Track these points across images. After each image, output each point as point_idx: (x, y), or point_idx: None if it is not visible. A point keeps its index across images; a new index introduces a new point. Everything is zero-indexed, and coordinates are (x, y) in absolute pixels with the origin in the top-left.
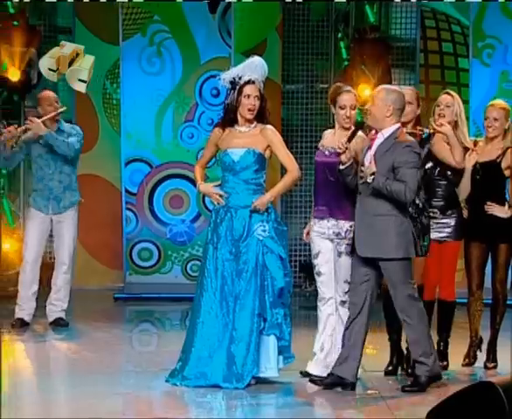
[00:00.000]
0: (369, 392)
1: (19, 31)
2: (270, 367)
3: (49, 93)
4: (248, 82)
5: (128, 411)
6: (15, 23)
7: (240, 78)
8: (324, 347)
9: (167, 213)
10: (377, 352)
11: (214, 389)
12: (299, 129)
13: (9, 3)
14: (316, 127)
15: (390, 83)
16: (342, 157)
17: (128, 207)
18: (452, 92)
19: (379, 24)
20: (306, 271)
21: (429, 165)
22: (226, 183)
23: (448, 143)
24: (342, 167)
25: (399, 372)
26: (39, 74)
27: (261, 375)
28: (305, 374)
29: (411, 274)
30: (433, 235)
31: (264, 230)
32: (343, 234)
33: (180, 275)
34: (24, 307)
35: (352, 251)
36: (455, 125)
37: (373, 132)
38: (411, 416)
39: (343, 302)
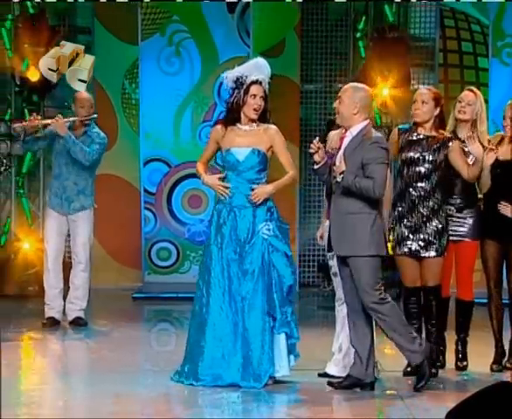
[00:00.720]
0: (387, 392)
1: (39, 32)
2: (282, 365)
3: (84, 95)
4: (255, 82)
5: (146, 410)
6: (35, 23)
7: (246, 78)
8: (342, 348)
9: (185, 213)
10: (395, 352)
11: (231, 389)
12: (317, 129)
13: (29, 3)
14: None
15: (408, 83)
16: (316, 157)
17: (146, 207)
18: (475, 90)
19: (398, 23)
20: (324, 270)
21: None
22: (229, 183)
23: (465, 152)
24: (316, 166)
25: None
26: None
27: (276, 375)
28: (323, 375)
29: (379, 275)
30: (449, 233)
31: (268, 229)
32: None
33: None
34: (53, 306)
35: (329, 250)
36: (473, 123)
37: (343, 130)
38: (430, 417)
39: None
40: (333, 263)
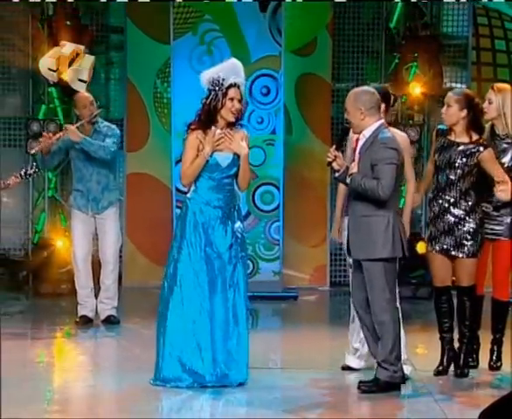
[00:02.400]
0: (420, 391)
1: (72, 31)
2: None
3: (83, 95)
4: (233, 85)
5: (182, 409)
6: (68, 22)
7: (224, 80)
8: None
9: None
10: (428, 351)
11: (253, 386)
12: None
13: (62, 4)
14: None
15: (441, 81)
16: (334, 165)
17: (178, 205)
18: (496, 86)
19: (431, 21)
20: None
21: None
22: (205, 183)
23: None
24: (337, 174)
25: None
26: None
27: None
28: (346, 368)
29: (393, 278)
30: (485, 231)
31: (242, 229)
32: None
33: None
34: (86, 305)
35: (348, 254)
36: (497, 118)
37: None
38: (463, 417)
39: None
40: (350, 260)
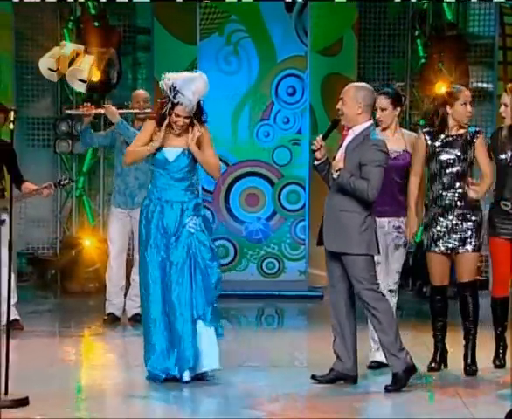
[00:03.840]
0: (446, 391)
1: (100, 32)
2: (213, 358)
3: (139, 92)
4: (181, 104)
5: (205, 407)
6: (96, 24)
7: (177, 93)
8: None
9: (243, 211)
10: (454, 350)
11: (280, 384)
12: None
13: (90, 3)
14: None
15: (467, 81)
16: (317, 154)
17: (204, 205)
18: (509, 88)
19: (457, 21)
20: None
21: (503, 156)
22: (158, 180)
23: None
24: (316, 163)
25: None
26: (119, 74)
27: (204, 369)
28: (374, 363)
29: (375, 273)
30: (504, 230)
31: (195, 224)
32: (403, 227)
33: (255, 272)
34: (114, 302)
35: (319, 244)
36: None
37: (346, 129)
38: (490, 416)
39: (391, 291)
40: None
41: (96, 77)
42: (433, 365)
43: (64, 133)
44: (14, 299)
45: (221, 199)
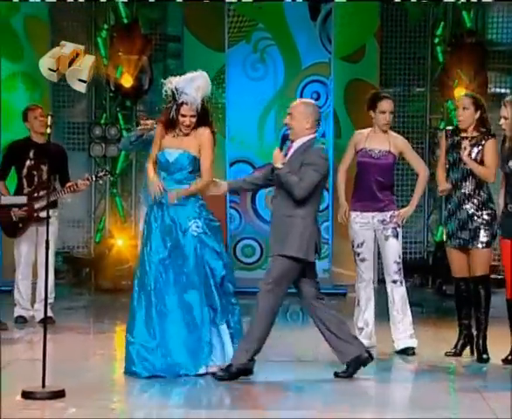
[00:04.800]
0: (466, 387)
1: (133, 40)
2: (227, 354)
3: None
4: (186, 103)
5: (230, 401)
6: (128, 32)
7: (180, 94)
8: (369, 323)
9: (268, 211)
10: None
11: (303, 378)
12: (395, 131)
13: (123, 13)
14: (413, 129)
15: (486, 87)
16: (279, 165)
17: (231, 206)
18: (507, 102)
19: (476, 28)
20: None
21: (509, 164)
22: (164, 182)
23: None
24: (280, 171)
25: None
26: (150, 80)
27: (217, 363)
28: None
29: (292, 277)
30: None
31: (197, 226)
32: (388, 219)
33: None
34: None
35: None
36: None
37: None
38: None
39: (394, 281)
40: (361, 250)
41: (128, 83)
42: (454, 350)
43: (98, 137)
44: (52, 296)
45: (248, 200)
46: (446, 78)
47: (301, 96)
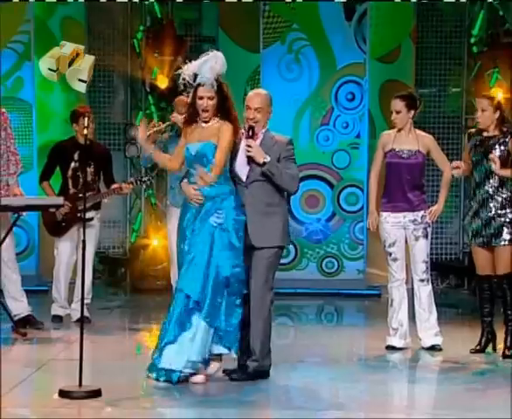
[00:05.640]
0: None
1: (168, 41)
2: (198, 353)
3: (183, 98)
4: (201, 85)
5: (266, 401)
6: (164, 33)
7: (195, 77)
8: (403, 323)
9: (303, 212)
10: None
11: (340, 378)
12: (431, 132)
13: (159, 14)
14: (449, 129)
15: None
16: (261, 159)
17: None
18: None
19: None
20: (438, 269)
21: None
22: (191, 177)
23: None
24: (265, 167)
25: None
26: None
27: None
28: (390, 348)
29: (277, 264)
30: None
31: (218, 217)
32: (420, 219)
33: (315, 271)
34: None
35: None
36: None
37: (242, 131)
38: None
39: (422, 280)
40: (393, 249)
41: (164, 84)
42: (477, 347)
43: (133, 137)
44: (89, 296)
45: None
46: (481, 79)
47: (336, 96)
